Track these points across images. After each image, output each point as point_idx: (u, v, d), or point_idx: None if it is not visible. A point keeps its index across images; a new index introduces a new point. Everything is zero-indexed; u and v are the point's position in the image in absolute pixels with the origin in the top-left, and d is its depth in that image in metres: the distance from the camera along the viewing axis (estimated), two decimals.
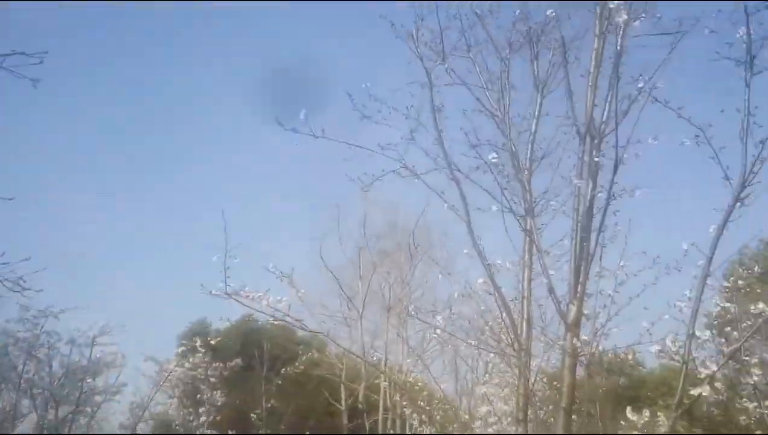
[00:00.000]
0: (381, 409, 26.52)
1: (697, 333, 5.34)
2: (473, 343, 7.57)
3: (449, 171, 7.21)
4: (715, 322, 11.66)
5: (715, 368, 5.35)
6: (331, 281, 25.30)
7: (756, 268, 11.21)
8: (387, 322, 25.13)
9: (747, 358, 10.43)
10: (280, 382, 20.89)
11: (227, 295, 6.40)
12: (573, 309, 6.24)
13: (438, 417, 18.44)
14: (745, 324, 10.97)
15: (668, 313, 5.57)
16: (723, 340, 11.37)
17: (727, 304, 11.04)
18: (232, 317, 21.64)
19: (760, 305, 5.15)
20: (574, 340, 5.97)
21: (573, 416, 6.90)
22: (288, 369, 20.69)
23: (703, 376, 5.35)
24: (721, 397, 11.51)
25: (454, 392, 24.92)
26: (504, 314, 7.12)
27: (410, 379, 21.72)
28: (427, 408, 20.16)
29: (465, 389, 20.86)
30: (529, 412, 7.15)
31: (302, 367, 20.93)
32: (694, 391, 5.22)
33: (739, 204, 5.20)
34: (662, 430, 5.23)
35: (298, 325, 6.85)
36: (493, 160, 6.38)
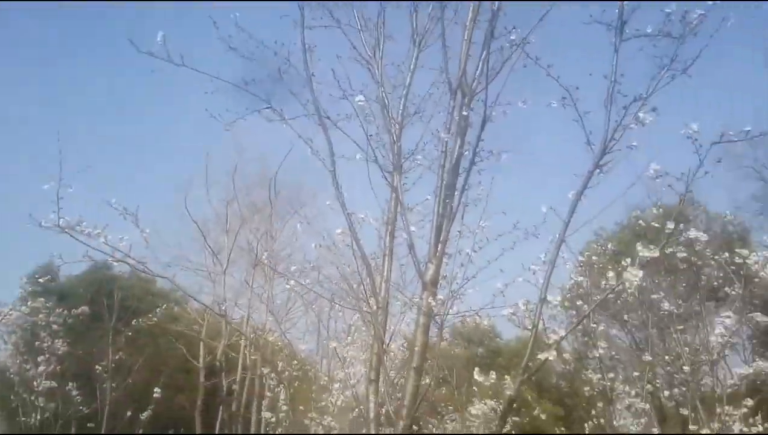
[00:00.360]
0: (239, 368, 26.06)
1: (549, 298, 5.31)
2: (329, 297, 7.33)
3: (317, 117, 6.86)
4: (568, 295, 12.06)
5: (563, 333, 5.36)
6: (197, 233, 24.43)
7: (609, 246, 11.67)
8: (252, 279, 24.61)
9: (594, 325, 10.85)
10: (130, 333, 19.82)
11: (59, 228, 5.77)
12: (431, 268, 6.10)
13: (288, 376, 18.28)
14: (595, 298, 11.45)
15: (523, 276, 5.54)
16: (574, 312, 11.83)
17: (580, 278, 11.45)
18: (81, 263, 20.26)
19: (610, 274, 5.16)
20: (430, 299, 5.83)
21: (427, 380, 6.82)
22: (140, 321, 19.68)
23: (551, 341, 5.34)
24: (567, 367, 11.99)
25: (316, 354, 24.95)
26: (363, 270, 6.89)
27: (270, 339, 21.42)
28: (286, 369, 19.97)
29: (326, 351, 20.79)
30: (381, 373, 6.98)
31: (155, 319, 19.96)
32: (542, 356, 5.20)
33: (598, 170, 5.18)
34: (507, 393, 5.18)
35: (140, 267, 6.33)
36: (359, 103, 6.07)
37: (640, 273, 5.15)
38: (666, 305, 11.98)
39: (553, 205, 5.53)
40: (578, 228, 5.30)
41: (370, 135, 6.41)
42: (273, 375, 19.59)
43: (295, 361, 20.61)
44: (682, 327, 12.35)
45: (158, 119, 58.33)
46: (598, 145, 5.12)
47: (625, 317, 13.67)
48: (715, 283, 11.94)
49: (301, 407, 18.71)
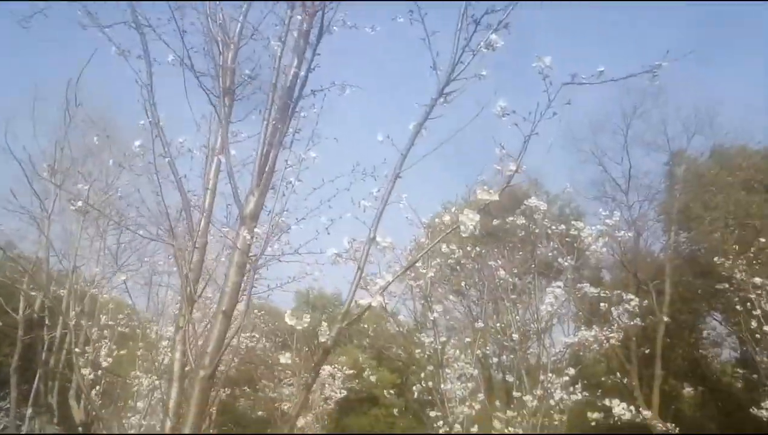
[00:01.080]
0: (61, 321, 24.23)
1: (378, 239, 4.76)
2: (127, 224, 6.40)
3: (134, 22, 5.85)
4: (410, 256, 11.83)
5: (390, 279, 4.85)
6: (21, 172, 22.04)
7: (453, 210, 11.47)
8: (81, 227, 22.86)
9: (427, 270, 10.62)
10: None
11: None
12: (252, 200, 5.36)
13: (111, 332, 17.19)
14: (435, 261, 11.29)
15: (351, 212, 4.94)
16: (413, 274, 11.59)
17: (423, 240, 11.24)
18: None
19: (446, 218, 4.69)
20: (245, 234, 5.10)
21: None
22: None
23: (377, 287, 4.82)
24: (402, 329, 11.79)
25: (147, 310, 23.64)
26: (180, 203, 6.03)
27: (94, 291, 20.04)
28: (110, 323, 18.75)
29: (160, 308, 19.73)
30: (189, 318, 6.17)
31: None
32: (364, 302, 4.67)
33: (442, 99, 4.66)
34: (323, 339, 4.60)
35: None
36: None
37: (477, 217, 4.75)
38: (502, 274, 12.06)
39: (396, 140, 4.94)
40: (415, 162, 4.77)
41: (190, 44, 5.45)
42: (95, 330, 18.29)
43: (121, 316, 19.29)
44: (515, 296, 12.49)
45: None
46: (445, 69, 4.59)
47: (463, 284, 13.68)
48: (550, 254, 12.15)
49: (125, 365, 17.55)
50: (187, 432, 5.15)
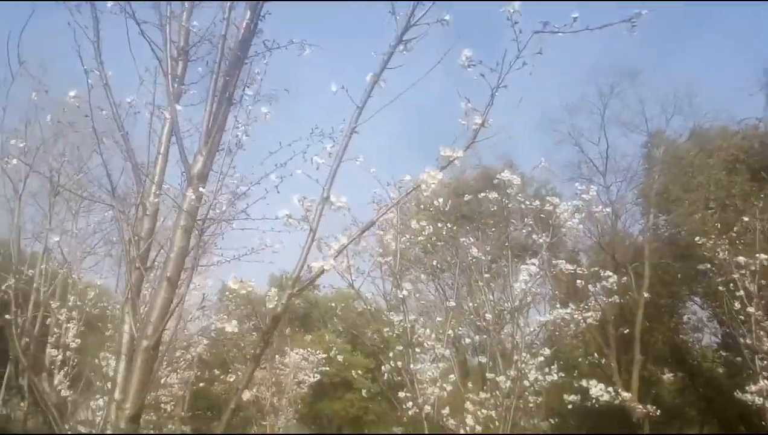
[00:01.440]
0: (32, 304, 23.79)
1: (332, 199, 4.41)
2: (70, 189, 6.01)
3: None
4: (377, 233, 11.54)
5: (345, 241, 4.52)
6: None
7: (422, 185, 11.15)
8: (51, 208, 22.41)
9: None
10: None
11: None
12: (200, 159, 4.98)
13: (79, 313, 16.81)
14: (406, 237, 10.97)
15: (303, 168, 4.56)
16: (380, 249, 11.28)
17: (391, 215, 10.91)
18: None
19: (407, 177, 4.40)
20: (192, 194, 4.71)
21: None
22: None
23: (332, 251, 4.49)
24: (369, 307, 11.51)
25: (115, 290, 23.21)
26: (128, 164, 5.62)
27: (63, 271, 19.60)
28: (78, 304, 18.35)
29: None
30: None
31: None
32: (316, 264, 4.34)
33: (402, 47, 4.30)
34: (271, 305, 4.25)
35: None
36: None
37: (440, 175, 4.45)
38: (474, 251, 11.73)
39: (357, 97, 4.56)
40: (372, 115, 4.42)
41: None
42: (63, 311, 17.93)
43: (90, 297, 18.85)
44: (488, 275, 12.19)
45: None
46: (404, 13, 4.23)
47: (435, 263, 13.37)
48: (524, 232, 11.84)
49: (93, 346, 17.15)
50: (129, 405, 4.81)
